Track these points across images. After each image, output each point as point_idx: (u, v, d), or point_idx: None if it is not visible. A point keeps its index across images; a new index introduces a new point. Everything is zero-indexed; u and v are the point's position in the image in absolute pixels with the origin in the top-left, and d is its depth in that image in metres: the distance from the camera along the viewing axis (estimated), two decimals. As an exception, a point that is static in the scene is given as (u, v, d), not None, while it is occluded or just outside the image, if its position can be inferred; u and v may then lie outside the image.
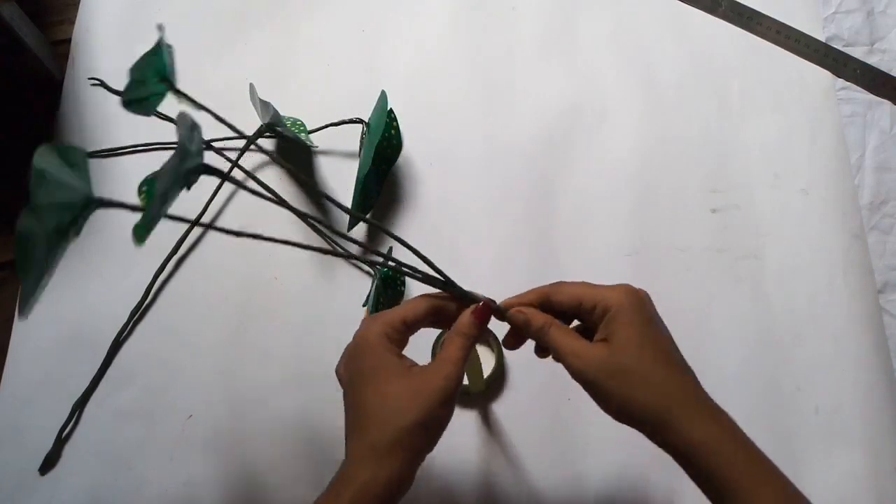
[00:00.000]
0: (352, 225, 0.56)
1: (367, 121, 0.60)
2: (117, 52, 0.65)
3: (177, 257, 0.57)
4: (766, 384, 0.55)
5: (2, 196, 0.59)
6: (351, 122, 0.61)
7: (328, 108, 0.63)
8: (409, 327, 0.39)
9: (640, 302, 0.37)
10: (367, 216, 0.58)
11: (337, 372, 0.39)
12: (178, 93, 0.32)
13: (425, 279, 0.39)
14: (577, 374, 0.37)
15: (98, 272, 0.57)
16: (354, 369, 0.38)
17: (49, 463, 0.51)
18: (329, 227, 0.39)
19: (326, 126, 0.61)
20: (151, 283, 0.56)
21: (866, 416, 0.54)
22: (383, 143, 0.58)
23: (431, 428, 0.36)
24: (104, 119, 0.62)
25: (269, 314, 0.56)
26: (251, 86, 0.57)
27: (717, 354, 0.56)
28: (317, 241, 0.58)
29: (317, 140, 0.60)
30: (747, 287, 0.58)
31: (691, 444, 0.34)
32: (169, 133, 0.62)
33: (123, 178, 0.60)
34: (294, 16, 0.68)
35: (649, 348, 0.36)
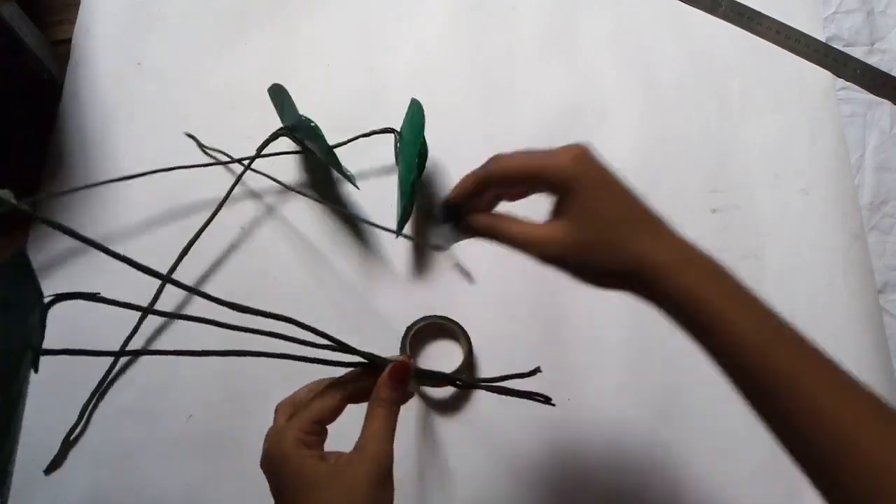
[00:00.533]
0: (400, 228, 0.55)
1: (398, 130, 0.60)
2: (117, 52, 0.65)
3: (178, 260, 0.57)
4: (766, 384, 0.55)
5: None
6: (383, 131, 0.60)
7: (328, 109, 0.63)
8: (324, 424, 0.36)
9: (591, 166, 0.35)
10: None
11: (262, 468, 0.37)
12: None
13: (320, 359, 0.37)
14: (549, 259, 0.35)
15: (98, 270, 0.57)
16: (278, 484, 0.35)
17: (55, 464, 0.51)
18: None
19: (356, 138, 0.60)
20: (160, 289, 0.56)
21: (866, 416, 0.54)
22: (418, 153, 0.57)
23: None
24: (104, 119, 0.62)
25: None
26: (278, 86, 0.57)
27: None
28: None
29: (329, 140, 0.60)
30: (747, 287, 0.58)
31: (678, 290, 0.33)
32: (167, 147, 0.63)
33: (125, 202, 0.60)
34: (294, 16, 0.68)
35: (616, 212, 0.34)
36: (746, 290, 0.35)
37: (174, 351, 0.35)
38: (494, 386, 0.43)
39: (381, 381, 0.36)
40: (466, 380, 0.43)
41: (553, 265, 0.35)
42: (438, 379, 0.41)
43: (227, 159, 0.60)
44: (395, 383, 0.36)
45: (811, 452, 0.31)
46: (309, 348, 0.36)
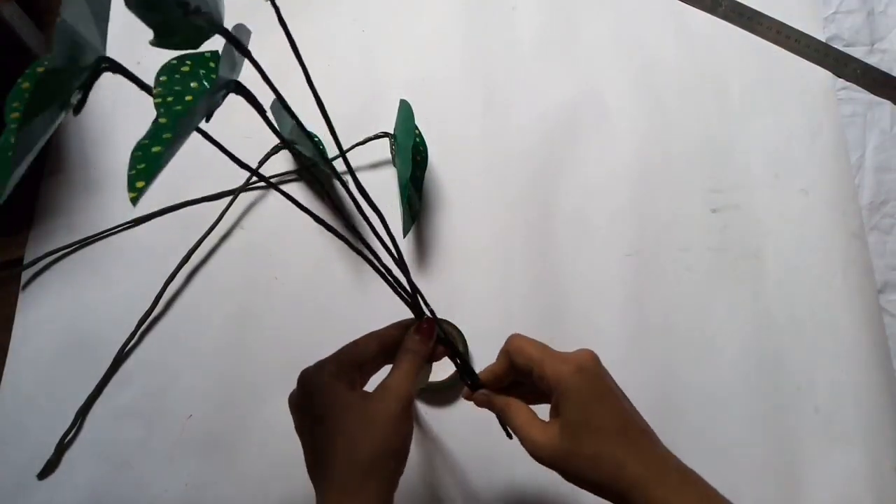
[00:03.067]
0: (407, 229, 0.57)
1: (392, 133, 0.60)
2: (117, 52, 0.64)
3: (178, 261, 0.57)
4: (765, 384, 0.55)
5: (2, 196, 0.60)
6: (376, 137, 0.61)
7: (328, 109, 0.63)
8: (362, 368, 0.40)
9: (589, 379, 0.37)
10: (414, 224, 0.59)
11: (290, 405, 0.40)
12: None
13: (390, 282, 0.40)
14: (534, 457, 0.37)
15: (98, 271, 0.57)
16: (305, 416, 0.38)
17: (49, 468, 0.51)
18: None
19: (352, 148, 0.60)
20: (161, 291, 0.56)
21: (866, 416, 0.54)
22: (413, 152, 0.58)
23: (395, 450, 0.37)
24: (104, 119, 0.62)
25: (269, 314, 0.56)
26: (278, 99, 0.57)
27: (717, 354, 0.56)
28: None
29: (327, 141, 0.60)
30: (747, 287, 0.58)
31: (652, 501, 0.34)
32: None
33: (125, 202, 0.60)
34: (293, 16, 0.67)
35: (602, 427, 0.36)
36: (719, 499, 0.35)
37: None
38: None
39: (409, 333, 0.41)
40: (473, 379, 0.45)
41: (541, 463, 0.37)
42: (459, 368, 0.44)
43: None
44: (421, 336, 0.40)
45: None
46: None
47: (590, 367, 0.37)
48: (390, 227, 0.40)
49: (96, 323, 0.56)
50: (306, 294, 0.57)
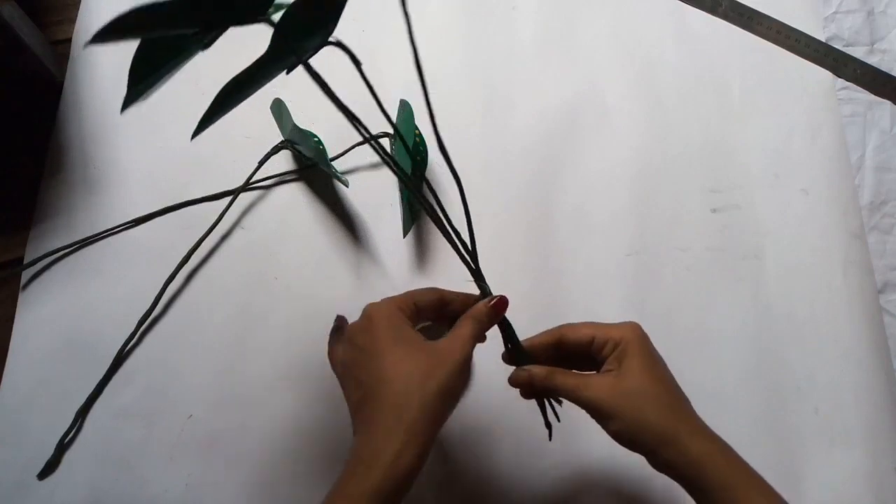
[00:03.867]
0: (407, 229, 0.57)
1: (392, 134, 0.60)
2: (117, 52, 0.64)
3: (178, 261, 0.57)
4: (765, 384, 0.55)
5: (2, 196, 0.60)
6: (376, 137, 0.60)
7: (328, 109, 0.63)
8: (419, 312, 0.40)
9: (645, 338, 0.41)
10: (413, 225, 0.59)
11: (333, 354, 0.40)
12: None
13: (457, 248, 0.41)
14: (589, 401, 0.39)
15: (98, 271, 0.57)
16: (367, 343, 0.37)
17: (49, 468, 0.51)
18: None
19: (352, 147, 0.60)
20: (162, 291, 0.56)
21: (866, 416, 0.54)
22: (413, 152, 0.58)
23: (454, 396, 0.37)
24: (104, 119, 0.62)
25: (270, 314, 0.56)
26: (278, 101, 0.58)
27: (717, 354, 0.56)
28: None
29: (326, 139, 0.60)
30: (747, 287, 0.58)
31: (691, 458, 0.36)
32: (167, 147, 0.63)
33: (125, 201, 0.60)
34: (294, 16, 0.68)
35: (656, 375, 0.39)
36: (758, 475, 0.38)
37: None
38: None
39: (483, 302, 0.41)
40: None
41: (593, 409, 0.39)
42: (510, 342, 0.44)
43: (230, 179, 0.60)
44: (492, 311, 0.41)
45: None
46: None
47: (642, 330, 0.41)
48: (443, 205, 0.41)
49: (96, 323, 0.55)
50: (306, 294, 0.57)
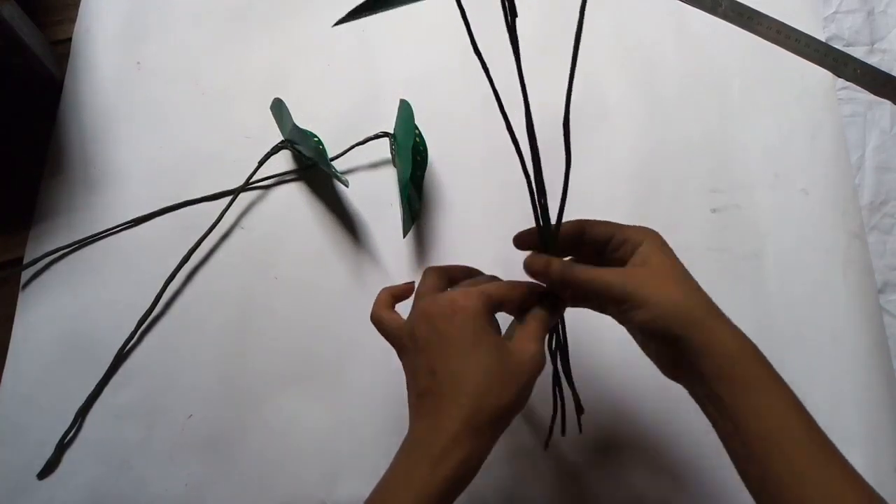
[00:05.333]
0: (407, 229, 0.57)
1: (392, 133, 0.60)
2: (117, 52, 0.65)
3: (178, 261, 0.57)
4: (766, 384, 0.55)
5: (2, 196, 0.60)
6: (376, 137, 0.61)
7: (328, 109, 0.63)
8: (501, 309, 0.39)
9: (664, 242, 0.40)
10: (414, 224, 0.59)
11: (393, 321, 0.39)
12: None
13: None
14: (616, 289, 0.37)
15: (98, 271, 0.57)
16: (449, 332, 0.36)
17: (49, 468, 0.51)
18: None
19: (351, 148, 0.60)
20: (162, 291, 0.56)
21: (866, 416, 0.54)
22: (413, 152, 0.58)
23: (519, 408, 0.37)
24: (104, 119, 0.62)
25: (270, 314, 0.56)
26: (277, 101, 0.58)
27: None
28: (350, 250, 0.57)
29: (326, 139, 0.60)
30: (747, 287, 0.58)
31: (718, 343, 0.35)
32: (167, 147, 0.63)
33: (125, 201, 0.60)
34: (293, 16, 0.68)
35: (679, 269, 0.39)
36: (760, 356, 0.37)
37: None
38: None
39: (547, 307, 0.40)
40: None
41: (619, 298, 0.37)
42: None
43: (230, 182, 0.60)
44: (558, 308, 0.41)
45: None
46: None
47: (663, 238, 0.41)
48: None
49: (96, 323, 0.56)
50: (306, 294, 0.57)
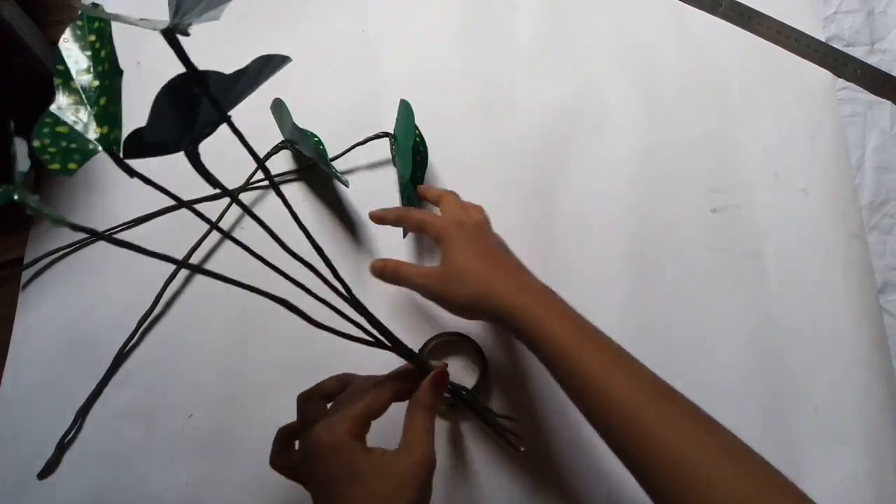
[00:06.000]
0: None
1: (392, 133, 0.60)
2: (117, 52, 0.65)
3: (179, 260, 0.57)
4: (765, 384, 0.55)
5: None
6: (376, 137, 0.61)
7: (328, 108, 0.63)
8: (372, 419, 0.40)
9: (460, 228, 0.47)
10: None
11: (282, 468, 0.41)
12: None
13: (377, 343, 0.40)
14: (424, 290, 0.46)
15: (98, 270, 0.57)
16: (326, 475, 0.37)
17: (49, 468, 0.51)
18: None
19: (352, 148, 0.61)
20: (162, 291, 0.56)
21: (866, 416, 0.54)
22: (413, 152, 0.58)
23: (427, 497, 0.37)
24: (104, 119, 0.62)
25: (270, 314, 0.56)
26: (277, 101, 0.58)
27: (717, 354, 0.56)
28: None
29: (326, 139, 0.60)
30: (747, 287, 0.58)
31: (514, 307, 0.42)
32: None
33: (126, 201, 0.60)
34: (294, 16, 0.68)
35: (471, 258, 0.45)
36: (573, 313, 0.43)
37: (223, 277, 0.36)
38: (483, 416, 0.50)
39: (423, 386, 0.41)
40: (469, 401, 0.49)
41: (431, 296, 0.46)
42: (453, 395, 0.48)
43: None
44: (436, 388, 0.41)
45: (611, 436, 0.39)
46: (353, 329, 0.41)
47: (469, 224, 0.47)
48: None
49: (96, 322, 0.56)
50: (308, 296, 0.57)
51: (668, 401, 0.39)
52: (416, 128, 0.57)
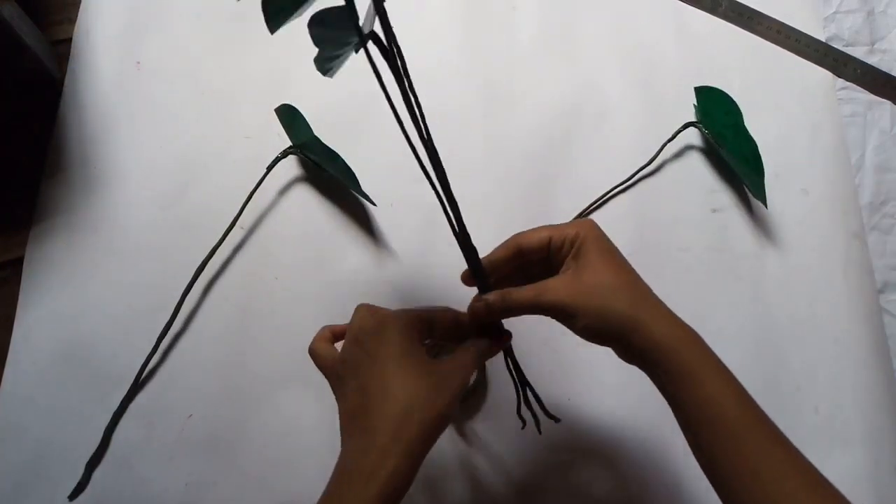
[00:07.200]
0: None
1: (697, 121, 0.61)
2: (117, 52, 0.65)
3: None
4: (765, 384, 0.55)
5: (2, 195, 0.60)
6: (684, 127, 0.61)
7: (329, 109, 0.63)
8: (431, 329, 0.40)
9: (600, 232, 0.40)
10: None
11: (326, 350, 0.40)
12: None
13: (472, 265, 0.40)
14: (550, 305, 0.38)
15: (98, 270, 0.57)
16: (377, 351, 0.37)
17: (80, 489, 0.51)
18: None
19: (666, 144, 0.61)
20: (180, 303, 0.55)
21: (866, 416, 0.54)
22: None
23: (447, 422, 0.37)
24: (104, 119, 0.62)
25: (270, 314, 0.56)
26: (287, 106, 0.57)
27: (717, 353, 0.56)
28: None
29: (327, 140, 0.60)
30: (747, 287, 0.58)
31: (655, 342, 0.36)
32: (167, 147, 0.63)
33: (127, 203, 0.60)
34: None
35: (615, 266, 0.38)
36: (717, 359, 0.38)
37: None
38: (524, 387, 0.47)
39: (484, 340, 0.40)
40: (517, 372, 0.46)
41: (558, 310, 0.38)
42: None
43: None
44: (495, 344, 0.41)
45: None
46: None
47: (597, 225, 0.40)
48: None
49: (96, 322, 0.55)
50: (307, 295, 0.57)
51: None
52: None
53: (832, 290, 0.58)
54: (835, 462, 0.52)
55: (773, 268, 0.59)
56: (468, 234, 0.40)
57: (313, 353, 0.41)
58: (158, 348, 0.54)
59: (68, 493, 0.50)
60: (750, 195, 0.61)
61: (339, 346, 0.41)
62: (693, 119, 0.62)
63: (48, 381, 0.54)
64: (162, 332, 0.54)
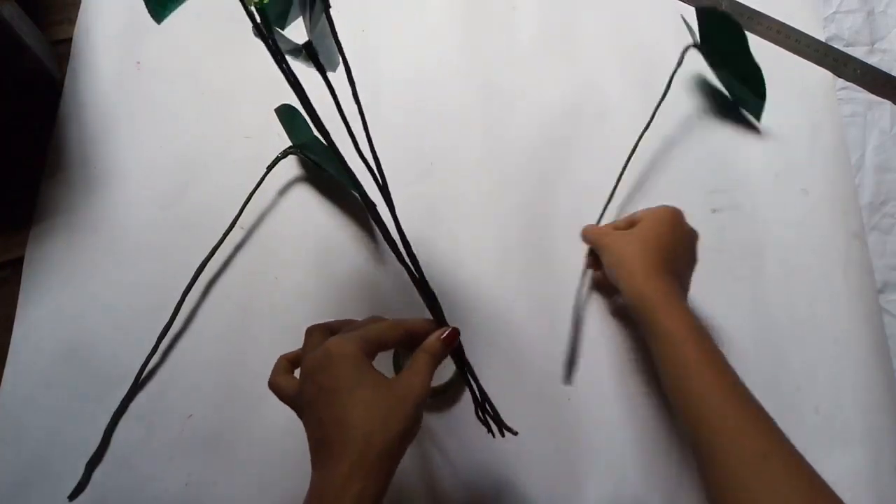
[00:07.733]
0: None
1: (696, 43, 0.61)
2: (117, 52, 0.65)
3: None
4: (765, 384, 0.54)
5: (2, 195, 0.60)
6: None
7: (329, 109, 0.63)
8: (381, 347, 0.40)
9: (667, 211, 0.51)
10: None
11: (283, 384, 0.41)
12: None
13: (421, 288, 0.41)
14: (601, 245, 0.52)
15: (98, 270, 0.57)
16: (328, 383, 0.37)
17: (79, 489, 0.51)
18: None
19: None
20: (180, 303, 0.55)
21: (866, 416, 0.54)
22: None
23: (411, 436, 0.38)
24: (104, 119, 0.62)
25: (270, 314, 0.56)
26: (287, 106, 0.57)
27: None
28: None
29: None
30: (747, 287, 0.58)
31: (638, 291, 0.46)
32: (167, 147, 0.63)
33: (127, 203, 0.60)
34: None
35: (653, 233, 0.50)
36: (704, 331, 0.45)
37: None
38: (478, 393, 0.47)
39: (434, 335, 0.41)
40: (468, 376, 0.47)
41: (607, 247, 0.51)
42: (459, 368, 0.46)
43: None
44: (445, 342, 0.41)
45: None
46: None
47: (674, 210, 0.52)
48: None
49: (96, 322, 0.55)
50: (307, 295, 0.57)
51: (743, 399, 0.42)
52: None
53: (832, 290, 0.58)
54: (835, 462, 0.52)
55: (773, 268, 0.59)
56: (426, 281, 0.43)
57: (273, 387, 0.42)
58: (158, 348, 0.54)
59: (68, 492, 0.50)
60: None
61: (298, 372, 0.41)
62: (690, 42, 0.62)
63: (48, 381, 0.54)
64: (162, 331, 0.54)
